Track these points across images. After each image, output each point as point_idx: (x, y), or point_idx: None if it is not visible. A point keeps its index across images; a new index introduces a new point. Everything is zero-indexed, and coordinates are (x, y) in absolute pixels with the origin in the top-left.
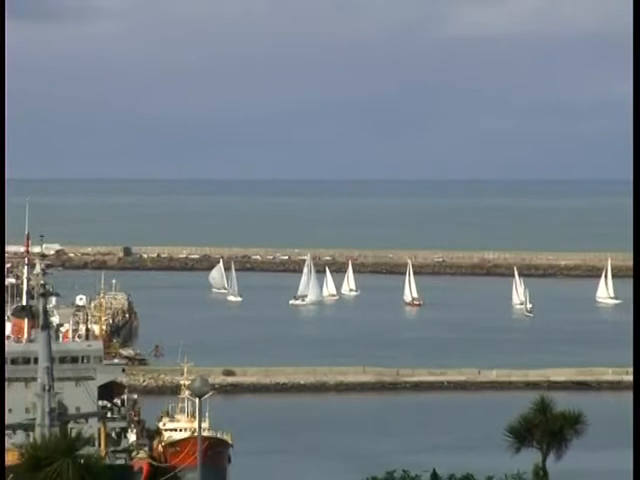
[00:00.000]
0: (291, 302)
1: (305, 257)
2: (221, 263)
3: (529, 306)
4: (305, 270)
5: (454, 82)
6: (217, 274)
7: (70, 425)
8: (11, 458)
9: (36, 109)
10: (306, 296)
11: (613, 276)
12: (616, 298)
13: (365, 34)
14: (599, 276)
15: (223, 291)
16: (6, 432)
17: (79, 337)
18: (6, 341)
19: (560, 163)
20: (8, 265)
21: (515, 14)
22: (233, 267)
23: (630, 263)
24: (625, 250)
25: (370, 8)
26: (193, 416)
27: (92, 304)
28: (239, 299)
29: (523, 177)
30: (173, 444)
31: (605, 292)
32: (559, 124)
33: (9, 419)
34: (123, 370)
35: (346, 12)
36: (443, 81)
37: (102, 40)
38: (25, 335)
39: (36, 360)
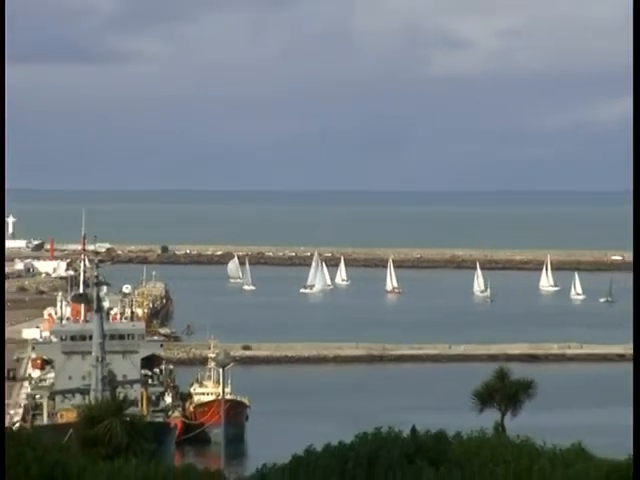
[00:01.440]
0: (301, 290)
1: (308, 253)
2: (236, 257)
3: (489, 293)
4: (313, 264)
5: (429, 114)
6: (233, 266)
7: (118, 390)
8: (70, 416)
9: (100, 135)
10: (314, 285)
11: (553, 269)
12: (555, 286)
13: (357, 72)
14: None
15: (239, 281)
16: (66, 395)
17: (125, 319)
18: (66, 321)
19: (515, 177)
20: (68, 260)
21: (481, 56)
22: (247, 261)
23: (565, 258)
24: (563, 247)
25: (363, 51)
26: (218, 382)
27: (136, 292)
28: (253, 287)
29: (484, 189)
30: (201, 405)
31: (546, 282)
32: (515, 147)
33: (69, 385)
34: (161, 345)
35: (342, 53)
36: (419, 113)
37: (143, 78)
38: (82, 317)
39: (91, 337)
